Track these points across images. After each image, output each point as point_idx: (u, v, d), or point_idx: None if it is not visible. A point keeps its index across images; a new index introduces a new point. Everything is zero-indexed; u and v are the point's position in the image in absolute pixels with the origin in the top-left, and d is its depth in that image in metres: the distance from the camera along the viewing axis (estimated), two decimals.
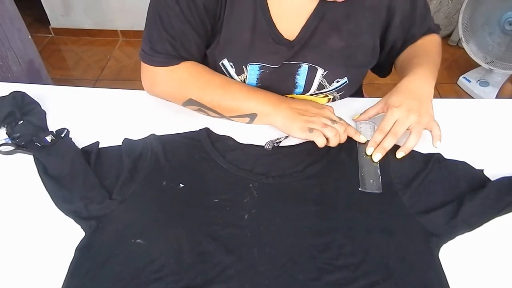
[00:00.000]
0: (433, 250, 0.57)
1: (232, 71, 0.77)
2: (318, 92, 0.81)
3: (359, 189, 0.64)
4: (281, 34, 0.73)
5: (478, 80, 2.05)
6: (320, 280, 0.53)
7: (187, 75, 0.75)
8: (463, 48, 2.31)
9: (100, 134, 0.73)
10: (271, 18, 0.71)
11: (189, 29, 0.71)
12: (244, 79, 0.78)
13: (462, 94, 2.08)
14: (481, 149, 0.72)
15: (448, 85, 2.12)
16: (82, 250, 0.57)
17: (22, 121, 0.74)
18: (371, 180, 0.65)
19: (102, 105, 0.83)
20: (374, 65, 0.85)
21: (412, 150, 0.69)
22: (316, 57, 0.75)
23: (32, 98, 0.79)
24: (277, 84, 0.78)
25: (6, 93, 0.77)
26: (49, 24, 2.47)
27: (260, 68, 0.76)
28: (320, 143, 0.68)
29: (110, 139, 0.72)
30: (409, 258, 0.56)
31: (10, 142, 0.72)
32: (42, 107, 0.79)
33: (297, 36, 0.73)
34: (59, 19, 2.43)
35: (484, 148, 0.72)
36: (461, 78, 2.10)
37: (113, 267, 0.55)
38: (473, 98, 2.00)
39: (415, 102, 0.69)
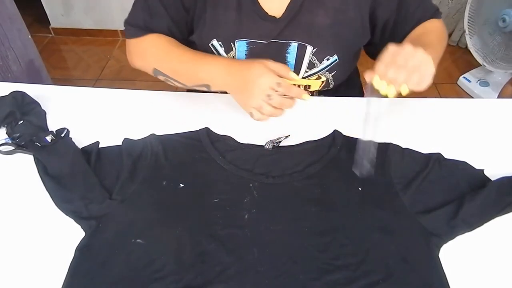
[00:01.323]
0: (433, 250, 0.57)
1: (221, 50, 0.79)
2: (310, 71, 0.81)
3: (352, 169, 0.63)
4: (265, 12, 0.74)
5: (478, 80, 2.04)
6: (320, 280, 0.53)
7: (150, 46, 0.79)
8: (463, 48, 2.32)
9: (100, 134, 0.73)
10: None
11: (162, 9, 0.76)
12: (233, 56, 0.79)
13: (462, 94, 2.07)
14: (481, 149, 0.72)
15: (448, 85, 2.12)
16: (82, 250, 0.57)
17: (22, 121, 0.74)
18: (365, 162, 0.63)
19: (102, 105, 0.83)
20: (376, 50, 0.83)
21: (412, 150, 0.69)
22: (304, 35, 0.76)
23: (32, 98, 0.79)
24: None
25: (6, 93, 0.77)
26: (49, 24, 2.46)
27: (247, 44, 0.77)
28: (263, 119, 0.69)
29: (110, 139, 0.72)
30: (409, 258, 0.56)
31: (10, 142, 0.72)
32: (42, 107, 0.79)
33: (283, 14, 0.74)
34: (59, 19, 2.43)
35: (484, 148, 0.72)
36: (461, 78, 2.10)
37: (113, 267, 0.55)
38: (473, 98, 2.00)
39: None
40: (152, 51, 0.79)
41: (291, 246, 0.57)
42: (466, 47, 2.29)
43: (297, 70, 0.80)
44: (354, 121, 0.77)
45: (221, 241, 0.57)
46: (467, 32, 1.87)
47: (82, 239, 0.58)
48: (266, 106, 0.68)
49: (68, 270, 0.55)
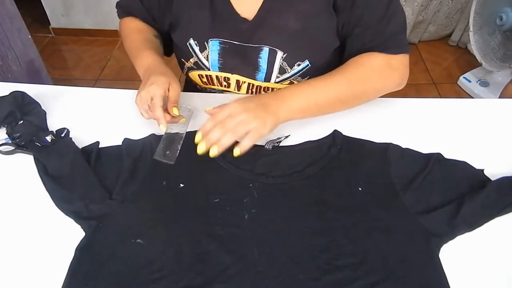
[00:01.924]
0: (433, 250, 0.57)
1: (197, 49, 0.80)
2: (281, 77, 0.81)
3: (153, 157, 0.66)
4: (237, 13, 0.75)
5: (478, 80, 2.04)
6: (320, 280, 0.53)
7: (123, 28, 0.89)
8: (463, 48, 2.32)
9: (100, 134, 0.73)
10: None
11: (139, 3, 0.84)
12: (207, 55, 0.80)
13: (462, 94, 2.07)
14: (481, 149, 0.72)
15: (448, 85, 2.12)
16: (82, 250, 0.57)
17: (22, 121, 0.74)
18: (168, 152, 0.66)
19: (102, 105, 0.83)
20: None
21: (412, 150, 0.69)
22: (275, 40, 0.76)
23: (32, 98, 0.79)
24: (241, 66, 0.81)
25: (6, 93, 0.77)
26: (49, 24, 2.46)
27: (220, 43, 0.78)
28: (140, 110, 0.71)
29: (110, 139, 0.72)
30: (409, 258, 0.56)
31: (10, 142, 0.72)
32: (42, 107, 0.79)
33: (254, 16, 0.75)
34: (59, 19, 2.43)
35: (484, 148, 0.72)
36: (461, 78, 2.10)
37: (113, 267, 0.55)
38: (473, 98, 2.00)
39: (259, 107, 0.66)
40: (123, 33, 0.88)
41: (291, 246, 0.57)
42: (466, 47, 2.30)
43: (268, 75, 0.81)
44: (354, 121, 0.77)
45: (221, 241, 0.57)
46: (471, 29, 1.86)
47: (82, 239, 0.58)
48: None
49: (68, 270, 0.55)
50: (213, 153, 0.62)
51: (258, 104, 0.66)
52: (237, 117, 0.64)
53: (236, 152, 0.62)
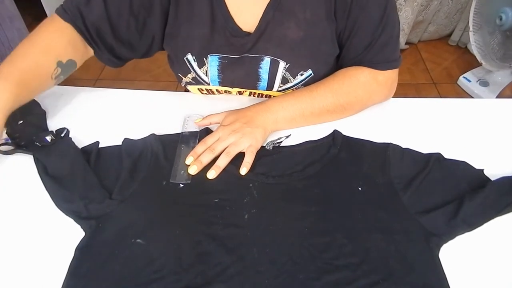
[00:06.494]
0: (433, 250, 0.57)
1: (195, 64, 0.79)
2: (284, 86, 0.80)
3: (170, 181, 0.65)
4: (239, 28, 0.74)
5: (478, 80, 2.04)
6: (320, 280, 0.53)
7: (43, 28, 0.73)
8: (463, 48, 2.32)
9: (100, 134, 0.73)
10: (229, 12, 0.73)
11: (101, 2, 0.70)
12: (206, 71, 0.79)
13: (462, 94, 2.07)
14: (481, 149, 0.72)
15: (448, 85, 2.12)
16: (82, 250, 0.57)
17: (21, 121, 0.73)
18: (182, 172, 0.66)
19: (102, 105, 0.83)
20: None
21: (412, 150, 0.69)
22: (276, 50, 0.75)
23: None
24: (241, 77, 0.80)
25: None
26: None
27: (219, 58, 0.77)
28: None
29: (110, 139, 0.71)
30: (409, 258, 0.56)
31: (10, 142, 0.72)
32: (42, 107, 0.79)
33: (256, 28, 0.73)
34: None
35: (484, 148, 0.72)
36: (461, 78, 2.10)
37: (113, 267, 0.55)
38: (473, 98, 2.00)
39: (244, 125, 0.70)
40: (38, 30, 0.73)
41: (291, 246, 0.57)
42: (466, 47, 2.30)
43: (270, 85, 0.80)
44: (354, 121, 0.77)
45: (221, 241, 0.57)
46: (471, 28, 1.85)
47: (82, 239, 0.58)
48: None
49: (68, 270, 0.55)
50: (211, 175, 0.66)
51: (244, 122, 0.70)
52: (225, 141, 0.68)
53: (243, 171, 0.65)
